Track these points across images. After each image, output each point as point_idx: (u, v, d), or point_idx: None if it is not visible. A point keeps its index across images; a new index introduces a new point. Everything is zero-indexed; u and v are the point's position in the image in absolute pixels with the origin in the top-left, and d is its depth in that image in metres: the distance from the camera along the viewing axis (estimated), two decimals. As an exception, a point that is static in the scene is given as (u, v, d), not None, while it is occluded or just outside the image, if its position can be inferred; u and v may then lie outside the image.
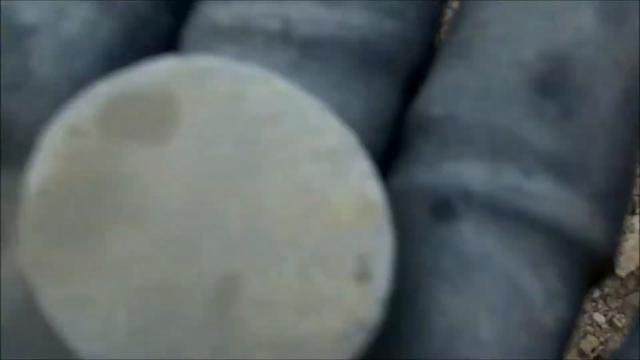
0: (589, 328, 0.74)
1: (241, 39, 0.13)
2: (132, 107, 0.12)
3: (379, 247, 0.12)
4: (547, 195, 0.13)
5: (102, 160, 0.12)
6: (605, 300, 0.75)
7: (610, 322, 0.74)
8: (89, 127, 0.12)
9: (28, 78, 0.13)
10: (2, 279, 0.13)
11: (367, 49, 0.13)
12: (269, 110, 0.12)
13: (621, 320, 0.74)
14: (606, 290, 0.75)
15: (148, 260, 0.11)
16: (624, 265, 0.75)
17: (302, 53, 0.13)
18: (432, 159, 0.13)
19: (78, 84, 0.13)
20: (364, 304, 0.11)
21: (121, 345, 0.11)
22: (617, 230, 0.14)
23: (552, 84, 0.13)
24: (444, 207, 0.13)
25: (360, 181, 0.12)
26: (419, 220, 0.13)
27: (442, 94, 0.13)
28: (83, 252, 0.12)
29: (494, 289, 0.13)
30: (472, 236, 0.13)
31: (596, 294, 0.75)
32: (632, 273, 0.75)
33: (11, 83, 0.13)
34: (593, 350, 0.73)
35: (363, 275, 0.12)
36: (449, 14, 0.65)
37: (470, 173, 0.13)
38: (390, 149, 0.14)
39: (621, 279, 0.75)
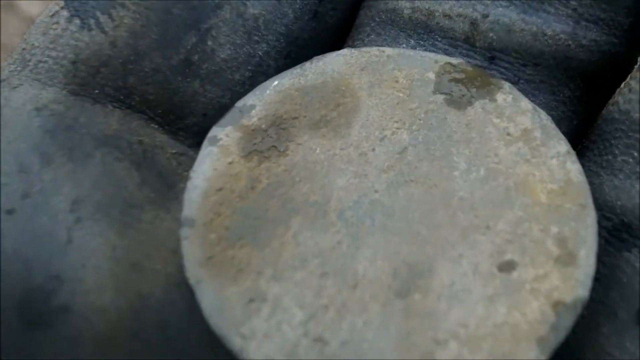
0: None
1: (420, 34, 0.13)
2: (305, 102, 0.12)
3: (582, 228, 0.11)
4: None
5: (274, 156, 0.11)
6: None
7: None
8: (259, 124, 0.12)
9: (207, 60, 0.13)
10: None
11: (562, 60, 0.12)
12: (453, 93, 0.12)
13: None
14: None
15: (325, 253, 0.11)
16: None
17: (487, 60, 0.12)
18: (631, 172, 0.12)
19: (256, 66, 0.13)
20: (566, 285, 0.11)
21: (293, 341, 0.11)
22: None
23: None
24: (624, 232, 0.12)
25: (558, 162, 0.11)
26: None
27: None
28: (255, 249, 0.11)
29: None
30: None
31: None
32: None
33: (189, 62, 0.13)
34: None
35: (565, 257, 0.11)
36: None
37: None
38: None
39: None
